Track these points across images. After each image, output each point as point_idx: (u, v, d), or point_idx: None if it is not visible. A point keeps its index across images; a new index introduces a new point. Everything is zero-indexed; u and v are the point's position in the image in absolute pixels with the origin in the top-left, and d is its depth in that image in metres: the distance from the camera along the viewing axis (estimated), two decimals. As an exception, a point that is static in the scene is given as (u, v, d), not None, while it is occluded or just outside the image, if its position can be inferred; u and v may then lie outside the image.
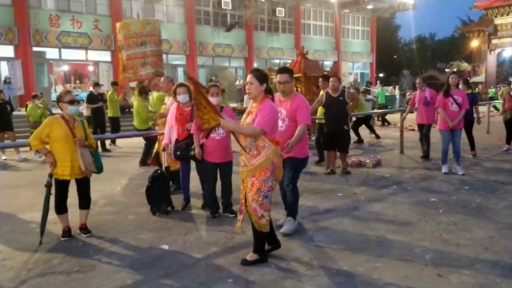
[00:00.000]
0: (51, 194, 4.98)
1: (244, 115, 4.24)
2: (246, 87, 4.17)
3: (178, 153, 5.93)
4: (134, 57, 9.62)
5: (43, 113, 12.01)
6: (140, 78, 9.92)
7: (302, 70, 11.98)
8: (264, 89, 4.09)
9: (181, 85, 6.12)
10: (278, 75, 4.89)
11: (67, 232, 5.06)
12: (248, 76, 4.14)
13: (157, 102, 8.28)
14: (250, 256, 4.23)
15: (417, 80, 10.21)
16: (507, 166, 8.93)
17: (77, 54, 23.98)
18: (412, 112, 11.01)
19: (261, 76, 4.10)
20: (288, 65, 12.79)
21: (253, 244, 4.25)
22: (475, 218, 5.54)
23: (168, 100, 6.88)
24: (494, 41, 36.93)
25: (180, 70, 28.00)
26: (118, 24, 9.58)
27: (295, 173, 5.01)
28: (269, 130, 3.97)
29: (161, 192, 5.98)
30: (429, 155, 9.80)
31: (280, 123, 4.72)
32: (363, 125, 13.75)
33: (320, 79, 8.92)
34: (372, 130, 14.06)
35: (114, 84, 13.42)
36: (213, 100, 5.53)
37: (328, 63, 36.79)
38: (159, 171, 6.12)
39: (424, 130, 9.88)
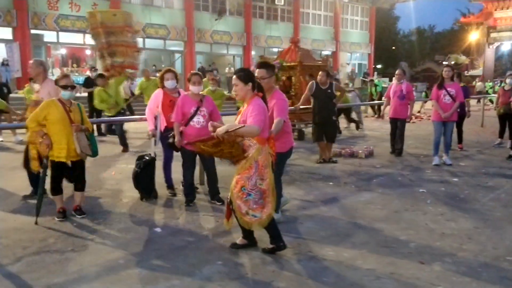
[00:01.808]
0: (46, 175, 5.09)
1: (237, 115, 4.25)
2: (233, 90, 4.14)
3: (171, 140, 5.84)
4: (101, 47, 9.58)
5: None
6: (108, 67, 9.76)
7: (299, 59, 12.02)
8: (250, 88, 4.05)
9: (168, 70, 6.15)
10: (256, 70, 4.71)
11: (62, 213, 5.16)
12: (233, 78, 4.11)
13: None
14: (240, 240, 4.34)
15: (397, 71, 9.59)
16: (497, 159, 9.07)
17: (75, 38, 23.94)
18: (389, 104, 9.77)
19: (245, 76, 4.06)
20: (277, 54, 12.73)
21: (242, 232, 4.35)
22: (462, 209, 5.68)
23: (41, 87, 6.01)
24: (493, 35, 36.96)
25: (177, 56, 27.97)
26: (86, 14, 9.64)
27: (277, 168, 4.82)
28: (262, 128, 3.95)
29: (152, 177, 6.05)
30: (402, 152, 9.38)
31: None
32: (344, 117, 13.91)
33: (321, 73, 8.82)
34: (350, 121, 14.09)
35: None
36: (194, 89, 5.55)
37: (326, 53, 36.82)
38: (148, 157, 6.10)
39: (398, 126, 9.32)
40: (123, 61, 9.55)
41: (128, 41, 9.73)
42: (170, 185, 6.31)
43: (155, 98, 6.14)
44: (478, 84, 31.63)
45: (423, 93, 23.23)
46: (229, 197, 4.17)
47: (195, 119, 5.52)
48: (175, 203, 5.87)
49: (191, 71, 6.09)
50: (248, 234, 4.31)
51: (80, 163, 5.26)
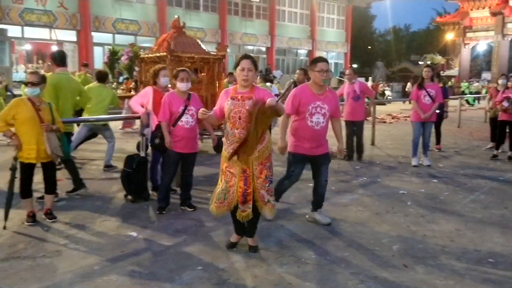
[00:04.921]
0: (15, 177, 4.97)
1: (235, 101, 4.09)
2: (243, 73, 4.07)
3: (157, 141, 5.65)
4: None
5: (1, 92, 11.60)
6: None
7: (169, 48, 8.43)
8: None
9: (164, 67, 6.14)
10: (320, 64, 4.88)
11: (31, 217, 5.04)
12: (247, 62, 4.09)
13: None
14: (235, 237, 4.42)
15: (347, 71, 9.34)
16: (475, 160, 9.28)
17: (41, 33, 23.45)
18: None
19: (255, 63, 4.22)
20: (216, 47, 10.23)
21: (253, 231, 4.37)
22: (442, 210, 5.79)
23: None
24: (469, 35, 37.72)
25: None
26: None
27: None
28: None
29: (144, 178, 6.00)
30: (362, 156, 9.11)
31: None
32: None
33: (298, 71, 8.88)
34: None
35: (86, 65, 13.20)
36: (182, 86, 5.39)
37: (302, 52, 37.12)
38: (140, 156, 6.04)
39: (355, 128, 8.98)
40: None
41: None
42: (156, 186, 6.20)
43: (145, 95, 6.04)
44: (475, 85, 32.88)
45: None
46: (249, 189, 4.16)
47: (183, 118, 5.35)
48: (148, 206, 5.79)
49: (178, 67, 5.98)
50: (241, 227, 4.35)
51: (51, 164, 5.15)
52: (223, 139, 4.30)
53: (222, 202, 4.22)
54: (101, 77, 8.17)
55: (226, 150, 4.18)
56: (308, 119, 4.89)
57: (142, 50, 9.54)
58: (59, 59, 6.22)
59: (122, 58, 9.74)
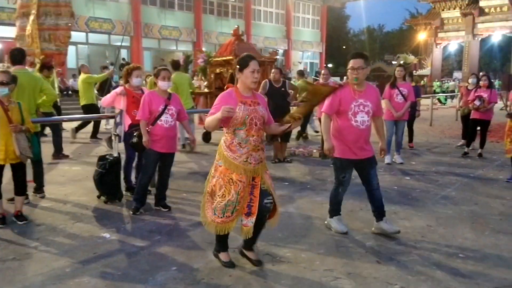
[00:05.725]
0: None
1: (246, 106, 3.76)
2: (254, 76, 3.76)
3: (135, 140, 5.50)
4: (34, 28, 8.66)
5: None
6: (38, 53, 9.07)
7: (234, 53, 10.79)
8: None
9: (137, 67, 6.11)
10: (356, 60, 4.65)
11: (1, 219, 4.93)
12: (256, 64, 3.78)
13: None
14: (255, 254, 4.11)
15: (323, 71, 9.57)
16: (447, 158, 9.44)
17: (12, 32, 22.86)
18: None
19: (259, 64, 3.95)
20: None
21: (253, 241, 4.07)
22: (414, 207, 5.87)
23: None
24: (440, 35, 38.33)
25: (123, 52, 27.39)
26: None
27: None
28: None
29: (118, 178, 5.91)
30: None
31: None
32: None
33: (274, 70, 8.88)
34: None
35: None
36: (164, 84, 5.38)
37: (278, 51, 37.21)
38: (113, 157, 5.97)
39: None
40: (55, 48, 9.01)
41: (65, 24, 8.99)
42: (130, 186, 6.15)
43: (118, 95, 5.99)
44: (452, 84, 33.82)
45: None
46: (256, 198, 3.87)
47: (163, 117, 5.30)
48: (122, 207, 5.73)
49: (159, 66, 5.99)
50: (226, 242, 4.10)
51: (20, 166, 5.03)
52: (225, 145, 3.82)
53: (230, 216, 3.79)
54: (175, 64, 9.48)
55: (237, 160, 3.75)
56: (352, 119, 4.62)
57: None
58: (17, 56, 6.01)
59: (199, 61, 11.64)
